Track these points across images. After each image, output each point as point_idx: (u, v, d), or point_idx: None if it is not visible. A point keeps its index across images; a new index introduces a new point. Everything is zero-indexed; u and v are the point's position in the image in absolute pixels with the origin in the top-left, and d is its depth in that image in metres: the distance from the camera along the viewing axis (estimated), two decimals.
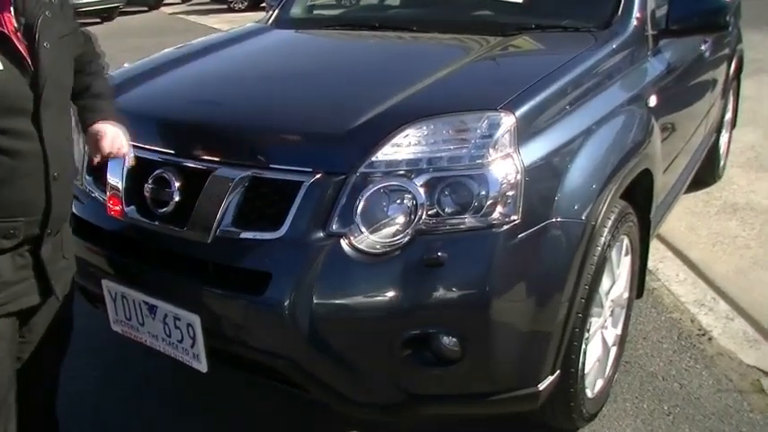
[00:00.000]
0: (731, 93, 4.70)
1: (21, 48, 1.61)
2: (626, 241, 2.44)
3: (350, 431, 2.48)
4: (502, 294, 1.84)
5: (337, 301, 1.84)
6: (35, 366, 1.87)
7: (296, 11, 3.62)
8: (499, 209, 1.83)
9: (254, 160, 2.01)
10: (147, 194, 2.13)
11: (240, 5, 19.24)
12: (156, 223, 2.10)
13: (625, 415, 2.53)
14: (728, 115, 4.80)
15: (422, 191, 1.83)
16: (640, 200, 2.51)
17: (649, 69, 2.72)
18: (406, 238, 1.82)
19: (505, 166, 1.86)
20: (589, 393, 2.34)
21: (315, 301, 1.82)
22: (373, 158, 1.89)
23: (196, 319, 1.98)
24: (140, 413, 2.65)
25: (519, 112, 1.94)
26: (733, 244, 3.95)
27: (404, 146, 1.90)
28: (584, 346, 2.15)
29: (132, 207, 2.16)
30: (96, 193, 2.34)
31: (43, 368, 1.91)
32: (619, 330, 2.60)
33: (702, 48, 3.47)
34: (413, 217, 1.83)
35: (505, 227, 1.84)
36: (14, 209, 1.63)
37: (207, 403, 2.67)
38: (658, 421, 2.49)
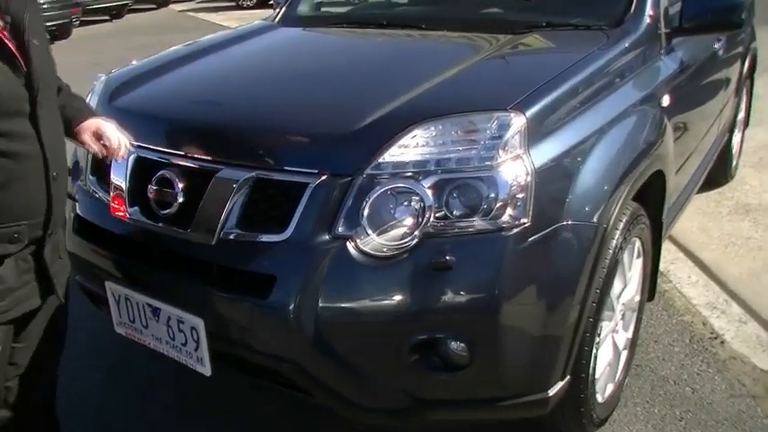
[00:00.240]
0: (744, 91, 4.65)
1: (11, 47, 1.58)
2: (638, 243, 2.41)
3: None
4: (511, 299, 1.81)
5: (343, 305, 1.81)
6: (34, 368, 1.85)
7: (303, 8, 3.59)
8: (509, 212, 1.80)
9: (258, 161, 1.98)
10: (150, 195, 2.10)
11: (249, 2, 19.22)
12: (160, 225, 2.07)
13: (636, 420, 2.49)
14: (741, 114, 4.75)
15: (429, 193, 1.80)
16: (652, 201, 2.47)
17: (662, 68, 2.68)
18: (414, 241, 1.78)
19: (515, 168, 1.82)
20: (599, 398, 2.31)
21: (320, 305, 1.79)
22: (380, 160, 1.85)
23: (200, 323, 1.96)
24: (144, 416, 2.62)
25: (529, 113, 1.90)
26: (746, 245, 3.90)
27: (411, 147, 1.86)
28: (594, 350, 2.12)
29: (136, 208, 2.14)
30: (100, 194, 2.31)
31: (42, 369, 1.89)
32: (630, 334, 2.56)
33: (716, 46, 3.42)
34: (420, 219, 1.79)
35: (515, 230, 1.80)
36: (18, 212, 1.61)
37: (211, 407, 2.64)
38: (670, 426, 2.45)
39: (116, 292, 2.15)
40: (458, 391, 1.93)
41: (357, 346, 1.85)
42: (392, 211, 1.82)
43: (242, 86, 2.53)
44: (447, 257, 1.76)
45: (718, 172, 4.52)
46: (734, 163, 4.79)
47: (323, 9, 3.80)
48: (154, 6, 21.15)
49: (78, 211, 2.37)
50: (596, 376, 2.21)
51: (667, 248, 3.74)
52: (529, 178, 1.83)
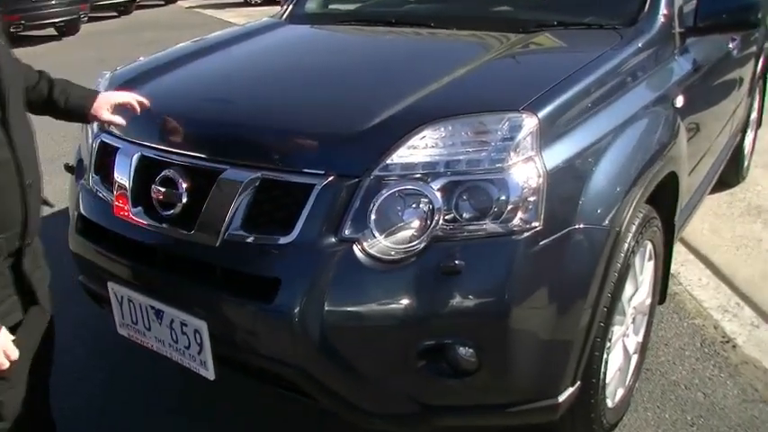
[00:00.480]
0: (757, 91, 4.60)
1: None
2: (650, 246, 2.37)
3: None
4: (522, 304, 1.77)
5: (349, 309, 1.78)
6: (29, 377, 1.81)
7: (311, 5, 3.56)
8: (520, 215, 1.76)
9: (264, 161, 1.94)
10: (154, 195, 2.07)
11: None
12: (163, 225, 2.04)
13: (646, 425, 2.46)
14: (754, 114, 4.70)
15: (439, 195, 1.76)
16: (665, 203, 2.43)
17: (676, 69, 2.63)
18: (422, 245, 1.75)
19: (527, 171, 1.78)
20: (609, 403, 2.28)
21: (326, 309, 1.76)
22: (388, 161, 1.81)
23: (203, 326, 1.93)
24: (147, 417, 2.60)
25: (541, 114, 1.86)
26: (758, 247, 3.85)
27: (420, 148, 1.82)
28: (605, 355, 2.09)
29: (139, 208, 2.11)
30: (103, 193, 2.29)
31: (37, 377, 1.84)
32: (640, 338, 2.53)
33: (730, 46, 3.37)
34: (429, 222, 1.76)
35: (526, 234, 1.76)
36: None
37: (216, 410, 2.62)
38: None
39: (118, 292, 2.13)
40: (466, 396, 1.90)
41: (363, 352, 1.82)
42: (400, 214, 1.78)
43: (248, 85, 2.49)
44: (456, 261, 1.72)
45: (730, 173, 4.47)
46: (746, 164, 4.75)
47: (330, 6, 3.75)
48: (162, 2, 21.15)
49: (82, 211, 2.34)
50: (607, 381, 2.18)
51: (678, 250, 3.69)
52: (540, 181, 1.79)
